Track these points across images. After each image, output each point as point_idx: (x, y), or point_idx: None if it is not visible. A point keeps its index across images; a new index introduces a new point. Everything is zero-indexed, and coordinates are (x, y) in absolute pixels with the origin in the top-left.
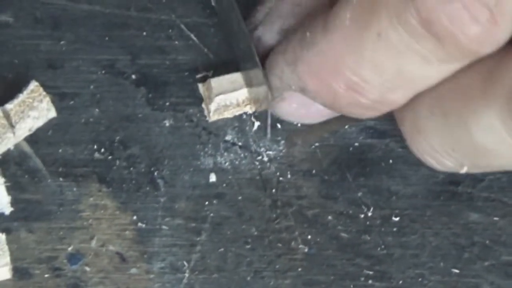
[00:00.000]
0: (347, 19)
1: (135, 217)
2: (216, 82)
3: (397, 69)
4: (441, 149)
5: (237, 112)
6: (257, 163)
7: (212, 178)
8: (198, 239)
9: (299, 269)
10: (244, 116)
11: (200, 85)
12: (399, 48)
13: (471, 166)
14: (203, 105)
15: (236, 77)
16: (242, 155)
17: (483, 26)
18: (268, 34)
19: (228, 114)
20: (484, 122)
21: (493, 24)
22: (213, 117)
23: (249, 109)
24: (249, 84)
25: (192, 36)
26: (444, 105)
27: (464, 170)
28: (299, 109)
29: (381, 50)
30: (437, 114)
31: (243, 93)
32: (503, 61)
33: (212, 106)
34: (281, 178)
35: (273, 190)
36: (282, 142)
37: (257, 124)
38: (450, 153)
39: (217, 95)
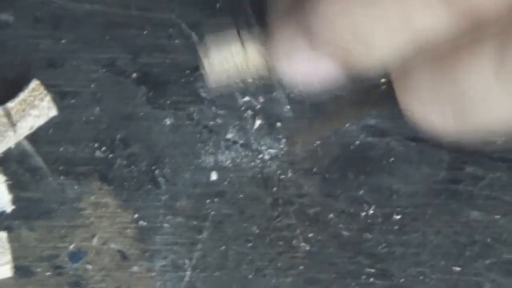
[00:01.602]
0: None
1: (136, 215)
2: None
3: (404, 19)
4: (428, 100)
5: (236, 75)
6: (258, 161)
7: (213, 176)
8: (199, 237)
9: (301, 267)
10: (245, 115)
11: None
12: None
13: (458, 121)
14: (203, 70)
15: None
16: (243, 153)
17: None
18: None
19: (227, 76)
20: (474, 69)
21: None
22: (212, 78)
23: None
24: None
25: (193, 35)
26: (437, 56)
27: (448, 126)
28: (310, 67)
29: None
30: (429, 64)
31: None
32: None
33: (208, 61)
34: (282, 176)
35: (274, 188)
36: (283, 140)
37: (258, 122)
38: (437, 105)
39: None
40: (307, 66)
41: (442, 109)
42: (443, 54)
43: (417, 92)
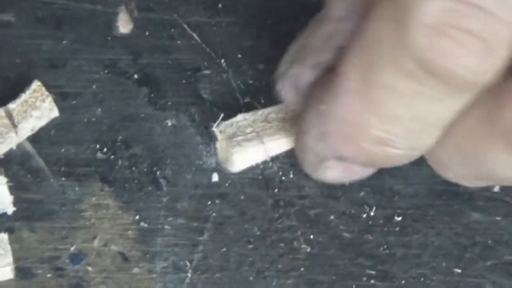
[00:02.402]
0: (352, 80)
1: (137, 217)
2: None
3: (414, 115)
4: (467, 177)
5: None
6: (259, 162)
7: (215, 177)
8: (200, 238)
9: (302, 269)
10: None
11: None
12: (407, 95)
13: (478, 181)
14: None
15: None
16: None
17: (478, 57)
18: (302, 70)
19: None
20: (498, 159)
21: (488, 54)
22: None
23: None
24: None
25: (195, 35)
26: (458, 142)
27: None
28: (345, 172)
29: (393, 101)
30: (454, 150)
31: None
32: (500, 99)
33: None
34: (283, 178)
35: (276, 190)
36: None
37: None
38: (477, 180)
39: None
40: (345, 172)
41: (484, 182)
42: (462, 138)
43: (454, 172)
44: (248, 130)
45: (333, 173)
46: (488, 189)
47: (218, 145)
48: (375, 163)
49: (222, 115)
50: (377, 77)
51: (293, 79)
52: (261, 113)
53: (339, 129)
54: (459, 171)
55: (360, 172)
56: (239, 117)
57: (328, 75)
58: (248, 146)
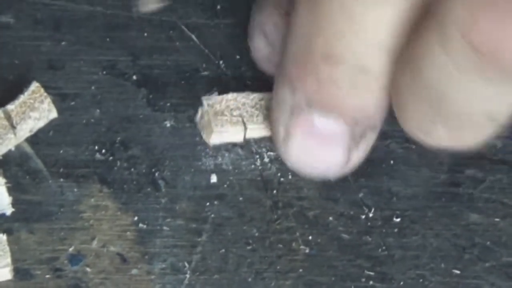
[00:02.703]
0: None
1: (136, 218)
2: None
3: (352, 26)
4: (433, 123)
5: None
6: (258, 164)
7: (213, 179)
8: (199, 240)
9: (300, 270)
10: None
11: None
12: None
13: (443, 124)
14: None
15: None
16: (243, 156)
17: None
18: (266, 16)
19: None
20: (433, 61)
21: None
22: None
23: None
24: None
25: (193, 37)
26: (414, 69)
27: (440, 130)
28: (304, 135)
29: (335, 15)
30: (412, 82)
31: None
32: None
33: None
34: (282, 179)
35: (274, 191)
36: None
37: None
38: (429, 128)
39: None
40: (301, 144)
41: (436, 132)
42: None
43: (410, 120)
44: (236, 112)
45: (298, 145)
46: (487, 190)
47: (201, 112)
48: (319, 97)
49: (215, 89)
50: None
51: (259, 27)
52: (252, 97)
53: (292, 55)
54: (422, 113)
55: (326, 155)
56: (230, 96)
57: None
58: (229, 129)
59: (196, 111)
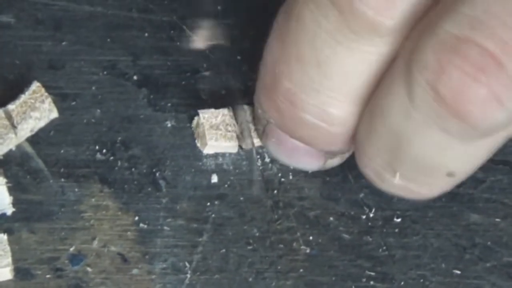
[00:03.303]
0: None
1: (136, 218)
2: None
3: (318, 60)
4: (391, 166)
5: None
6: (259, 164)
7: (214, 179)
8: (199, 239)
9: (301, 270)
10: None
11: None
12: (316, 33)
13: (400, 172)
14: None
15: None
16: (244, 156)
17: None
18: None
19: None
20: (396, 104)
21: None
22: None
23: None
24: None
25: (193, 37)
26: (377, 116)
27: (396, 178)
28: (278, 144)
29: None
30: (375, 131)
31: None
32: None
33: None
34: (283, 179)
35: (275, 191)
36: None
37: None
38: (380, 157)
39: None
40: (278, 143)
41: (392, 179)
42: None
43: (368, 164)
44: (230, 128)
45: (269, 141)
46: (487, 190)
47: (197, 120)
48: (285, 126)
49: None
50: (294, 8)
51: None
52: (249, 112)
53: (262, 79)
54: (380, 158)
55: (290, 151)
56: (227, 110)
57: None
58: (223, 144)
59: (196, 112)
